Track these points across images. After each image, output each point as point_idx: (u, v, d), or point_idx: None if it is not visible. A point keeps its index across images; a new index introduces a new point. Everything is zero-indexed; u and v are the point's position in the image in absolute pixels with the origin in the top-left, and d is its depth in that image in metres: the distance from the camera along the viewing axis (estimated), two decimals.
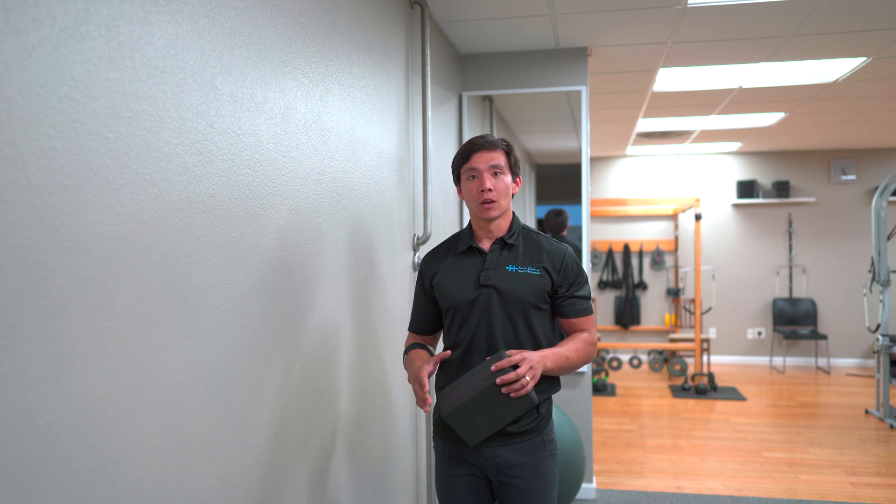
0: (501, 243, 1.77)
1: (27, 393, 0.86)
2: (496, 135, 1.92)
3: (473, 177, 1.74)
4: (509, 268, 1.73)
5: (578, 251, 3.61)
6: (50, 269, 0.90)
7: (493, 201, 1.72)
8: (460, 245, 1.82)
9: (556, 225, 4.11)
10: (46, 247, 0.89)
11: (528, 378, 1.58)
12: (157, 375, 1.12)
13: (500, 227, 1.78)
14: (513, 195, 1.82)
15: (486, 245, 1.78)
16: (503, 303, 1.71)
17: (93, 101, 0.97)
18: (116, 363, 1.02)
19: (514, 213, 1.84)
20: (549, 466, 1.77)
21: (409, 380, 1.71)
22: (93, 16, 0.97)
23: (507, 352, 1.64)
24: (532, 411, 1.73)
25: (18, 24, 0.84)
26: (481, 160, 1.73)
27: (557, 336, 1.81)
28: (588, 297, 1.79)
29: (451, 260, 1.82)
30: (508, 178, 1.76)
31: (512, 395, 1.59)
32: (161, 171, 1.13)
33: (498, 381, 1.58)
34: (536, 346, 1.73)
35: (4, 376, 0.83)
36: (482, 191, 1.72)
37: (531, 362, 1.61)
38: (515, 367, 1.60)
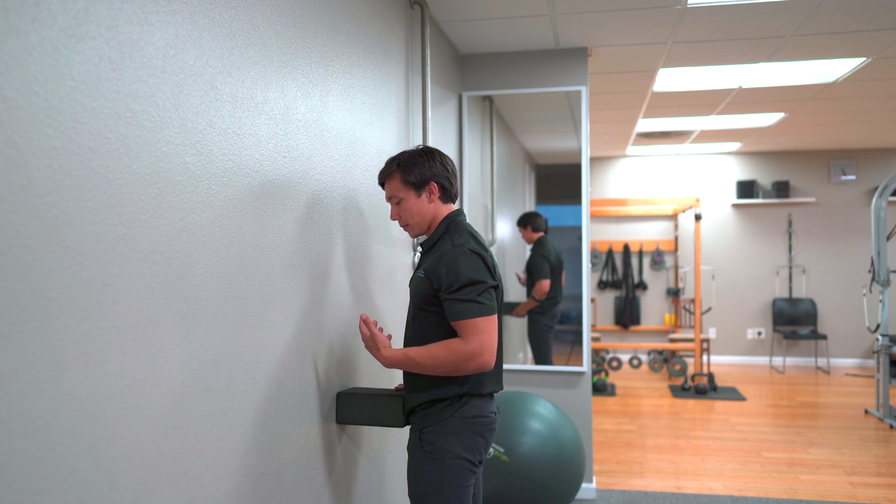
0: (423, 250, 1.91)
1: (27, 393, 0.86)
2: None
3: None
4: (418, 271, 1.85)
5: (578, 251, 3.61)
6: (50, 269, 0.90)
7: (406, 225, 1.84)
8: None
9: (536, 228, 4.09)
10: (46, 247, 0.89)
11: (366, 331, 1.77)
12: (157, 375, 1.12)
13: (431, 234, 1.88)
14: (439, 197, 1.83)
15: None
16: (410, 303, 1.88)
17: (93, 101, 0.97)
18: (116, 363, 1.02)
19: (448, 217, 1.83)
20: (422, 465, 1.73)
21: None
22: (93, 16, 0.97)
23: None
24: (414, 396, 1.78)
25: (18, 24, 0.84)
26: (385, 193, 1.86)
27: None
28: (465, 300, 1.65)
29: None
30: (410, 198, 1.80)
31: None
32: (161, 171, 1.13)
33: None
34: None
35: (4, 376, 0.83)
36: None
37: (372, 343, 1.77)
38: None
